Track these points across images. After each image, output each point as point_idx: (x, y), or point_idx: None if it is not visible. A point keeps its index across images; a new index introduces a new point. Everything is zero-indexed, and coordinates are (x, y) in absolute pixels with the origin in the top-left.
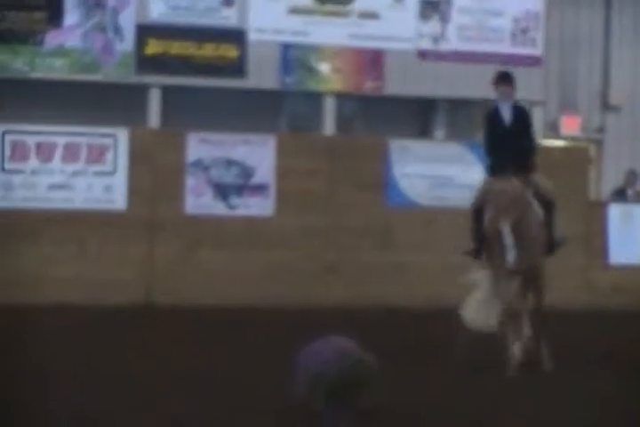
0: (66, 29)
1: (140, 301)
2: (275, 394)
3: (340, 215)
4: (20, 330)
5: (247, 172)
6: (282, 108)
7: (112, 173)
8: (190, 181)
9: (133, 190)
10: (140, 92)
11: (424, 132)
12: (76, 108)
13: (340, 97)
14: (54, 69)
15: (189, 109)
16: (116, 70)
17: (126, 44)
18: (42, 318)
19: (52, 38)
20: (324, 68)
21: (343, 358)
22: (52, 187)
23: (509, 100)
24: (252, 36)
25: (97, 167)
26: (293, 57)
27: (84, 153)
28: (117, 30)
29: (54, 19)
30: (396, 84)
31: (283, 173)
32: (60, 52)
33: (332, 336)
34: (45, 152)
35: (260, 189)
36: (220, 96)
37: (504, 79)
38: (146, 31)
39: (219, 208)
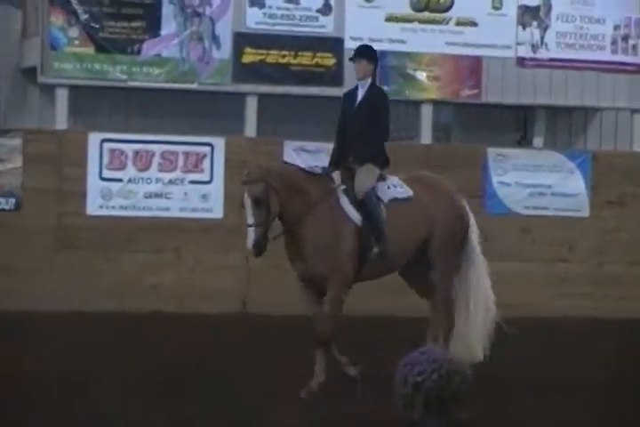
0: (163, 38)
1: (236, 309)
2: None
3: None
4: (118, 337)
5: None
6: None
7: (208, 181)
8: None
9: (230, 199)
10: (237, 100)
11: (522, 140)
12: (172, 116)
13: (438, 105)
14: (151, 78)
15: (286, 118)
16: (212, 79)
17: (223, 52)
18: (139, 325)
19: (150, 47)
20: (422, 76)
21: (441, 368)
22: (149, 195)
23: (365, 79)
24: (349, 45)
25: (194, 176)
26: (390, 65)
27: (180, 161)
28: (214, 39)
29: (152, 28)
30: (495, 92)
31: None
32: (158, 61)
33: (430, 347)
34: (143, 161)
35: None
36: (317, 104)
37: (359, 54)
38: (243, 40)
39: None
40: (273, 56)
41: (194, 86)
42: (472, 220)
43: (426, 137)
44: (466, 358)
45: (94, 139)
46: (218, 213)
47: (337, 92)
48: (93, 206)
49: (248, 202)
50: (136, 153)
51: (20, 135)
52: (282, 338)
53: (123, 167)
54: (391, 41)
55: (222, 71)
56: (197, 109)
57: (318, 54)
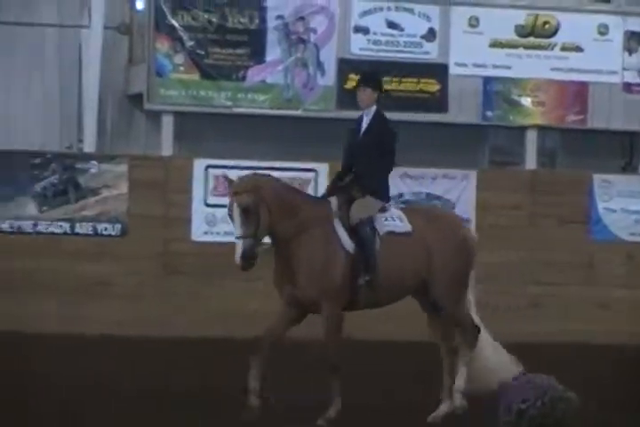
0: (268, 65)
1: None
2: None
3: (541, 250)
4: (223, 362)
5: (447, 206)
6: (483, 142)
7: None
8: None
9: None
10: (341, 126)
11: (628, 166)
12: (277, 142)
13: (543, 131)
14: (256, 104)
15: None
16: (316, 105)
17: (327, 78)
18: (244, 351)
19: (255, 74)
20: (526, 101)
21: (545, 395)
22: None
23: (369, 107)
24: (454, 71)
25: None
26: (495, 90)
27: None
28: (319, 65)
29: (257, 55)
30: (600, 118)
31: (483, 207)
32: (262, 87)
33: (534, 374)
34: None
35: None
36: (421, 130)
37: (363, 82)
38: (347, 66)
39: None
40: None
41: (298, 113)
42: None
43: (530, 163)
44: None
45: (199, 165)
46: None
47: (441, 117)
48: (198, 232)
49: (237, 212)
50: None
51: (125, 161)
52: (388, 363)
53: (227, 193)
54: (495, 66)
55: (326, 97)
56: (302, 135)
57: (422, 80)
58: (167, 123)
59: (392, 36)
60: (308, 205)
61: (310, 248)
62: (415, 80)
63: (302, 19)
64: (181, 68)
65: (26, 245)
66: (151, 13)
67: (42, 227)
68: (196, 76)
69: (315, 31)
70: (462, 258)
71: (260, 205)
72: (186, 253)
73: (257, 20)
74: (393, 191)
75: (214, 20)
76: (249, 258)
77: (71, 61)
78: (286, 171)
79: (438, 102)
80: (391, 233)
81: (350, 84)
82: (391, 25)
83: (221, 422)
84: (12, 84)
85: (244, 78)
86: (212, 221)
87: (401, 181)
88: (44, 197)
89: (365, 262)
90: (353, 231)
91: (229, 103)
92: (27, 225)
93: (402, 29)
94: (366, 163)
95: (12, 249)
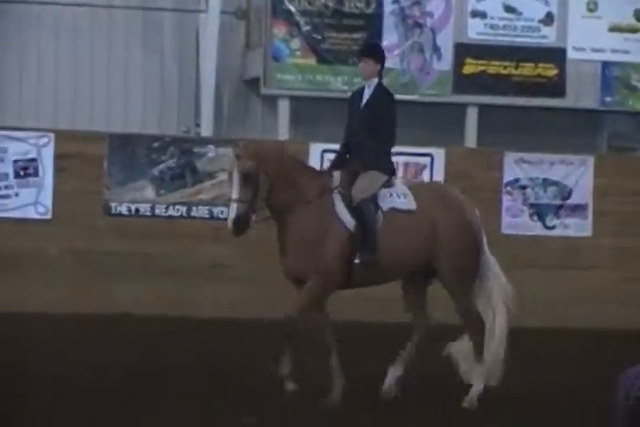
0: (384, 49)
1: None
2: None
3: None
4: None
5: (564, 192)
6: (601, 127)
7: None
8: (506, 201)
9: None
10: (457, 111)
11: None
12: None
13: None
14: None
15: (506, 129)
16: (432, 90)
17: (444, 63)
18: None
19: None
20: None
21: None
22: None
23: (372, 80)
24: (572, 55)
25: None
26: (614, 75)
27: (401, 171)
28: (435, 50)
29: (373, 39)
30: None
31: (601, 193)
32: None
33: None
34: None
35: (577, 209)
36: (538, 115)
37: (365, 53)
38: (464, 50)
39: (535, 228)
40: (494, 67)
41: (414, 97)
42: (482, 231)
43: None
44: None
45: (315, 149)
46: None
47: (558, 102)
48: None
49: (236, 176)
50: None
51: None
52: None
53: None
54: (614, 51)
55: (443, 82)
56: (417, 120)
57: (540, 65)
58: (283, 107)
59: (509, 20)
60: (308, 177)
61: (305, 221)
62: (533, 65)
63: (419, 3)
64: (298, 53)
65: (143, 228)
66: None
67: (159, 210)
68: (312, 61)
69: (431, 15)
70: (470, 240)
71: (260, 173)
72: None
73: (373, 5)
74: (507, 177)
75: (331, 4)
76: (242, 223)
77: (188, 46)
78: (402, 155)
79: (556, 87)
80: (394, 209)
81: (468, 70)
82: (508, 9)
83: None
84: (129, 69)
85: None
86: None
87: (517, 167)
88: (161, 181)
89: (364, 242)
90: (355, 209)
91: (345, 88)
92: (144, 208)
93: (519, 13)
94: (367, 136)
95: (130, 232)
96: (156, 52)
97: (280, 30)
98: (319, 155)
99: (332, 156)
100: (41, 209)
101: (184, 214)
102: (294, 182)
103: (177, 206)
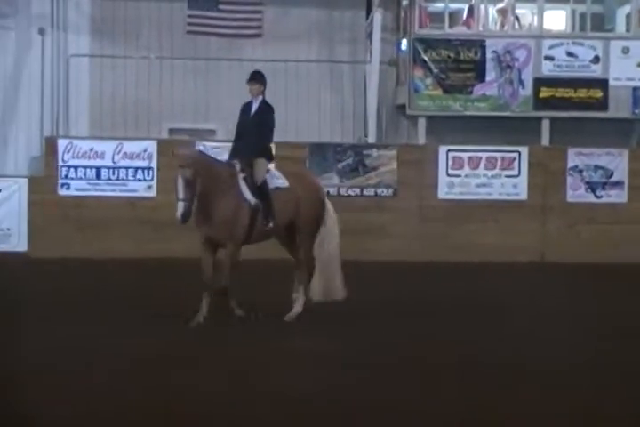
0: (487, 83)
1: (537, 259)
2: None
3: None
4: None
5: (608, 173)
6: (632, 130)
7: (517, 175)
8: (569, 180)
9: (531, 186)
10: (536, 122)
11: None
12: (493, 133)
13: None
14: (479, 109)
15: (569, 133)
16: (519, 108)
17: (526, 90)
18: (451, 272)
19: (478, 89)
20: None
21: None
22: (479, 185)
23: (257, 97)
24: (612, 83)
25: (507, 172)
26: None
27: (499, 163)
28: (520, 82)
29: (479, 76)
30: None
31: (633, 174)
32: (483, 97)
33: None
34: (474, 163)
35: (617, 184)
36: (590, 123)
37: (251, 79)
38: (539, 82)
39: (589, 197)
40: (560, 92)
41: (507, 113)
42: (329, 204)
43: None
44: (327, 298)
45: (443, 150)
46: (523, 196)
47: (604, 114)
48: (442, 193)
49: (181, 182)
50: (469, 158)
51: (395, 148)
52: (575, 281)
53: (461, 167)
54: None
55: (526, 103)
56: (509, 128)
57: (591, 90)
58: (421, 123)
59: (570, 61)
60: (222, 170)
61: (223, 200)
62: (585, 90)
63: (509, 52)
64: (430, 87)
65: (332, 203)
66: (410, 52)
67: (342, 191)
68: (439, 92)
69: (518, 60)
70: (319, 210)
71: (196, 178)
72: (435, 206)
73: (479, 54)
74: (570, 164)
75: (451, 55)
76: (187, 216)
77: (359, 85)
78: (499, 152)
79: (601, 104)
80: (276, 188)
81: (543, 94)
82: (569, 54)
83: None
84: (321, 101)
85: (471, 92)
86: (451, 186)
87: (576, 157)
88: (343, 173)
89: (268, 212)
90: (255, 188)
91: (461, 109)
92: (333, 191)
93: (576, 57)
94: (256, 135)
95: None
96: (339, 90)
97: (418, 72)
98: (445, 153)
99: (454, 153)
100: None
101: (358, 194)
102: (214, 175)
103: (353, 189)
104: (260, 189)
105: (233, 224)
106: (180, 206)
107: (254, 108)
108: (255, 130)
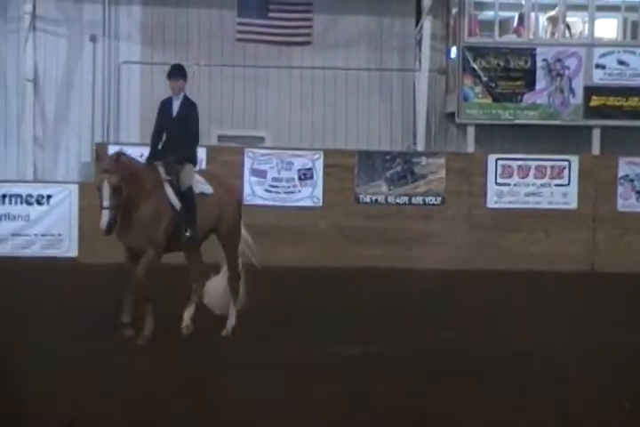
0: (537, 91)
1: (586, 269)
2: None
3: None
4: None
5: None
6: None
7: (567, 184)
8: (620, 189)
9: (582, 196)
10: (586, 131)
11: None
12: (543, 142)
13: None
14: (529, 118)
15: (621, 141)
16: (569, 117)
17: (577, 99)
18: (521, 282)
19: (528, 97)
20: None
21: None
22: (528, 194)
23: (179, 94)
24: None
25: (557, 181)
26: None
27: (548, 172)
28: (571, 91)
29: (529, 85)
30: None
31: None
32: (533, 106)
33: None
34: (523, 172)
35: None
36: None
37: (172, 75)
38: (590, 91)
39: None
40: (610, 101)
41: (557, 122)
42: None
43: None
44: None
45: (492, 158)
46: (573, 205)
47: None
48: (491, 202)
49: (107, 188)
50: (519, 167)
51: (444, 156)
52: (625, 290)
53: (510, 176)
54: None
55: (576, 112)
56: (560, 137)
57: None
58: (470, 131)
59: (620, 69)
60: (145, 175)
61: (145, 205)
62: (637, 98)
63: (560, 60)
64: (479, 95)
65: (380, 211)
66: (460, 60)
67: (390, 199)
68: (489, 100)
69: (568, 68)
70: (238, 214)
71: (122, 184)
72: (483, 215)
73: (529, 62)
74: (621, 173)
75: (501, 63)
76: (112, 226)
77: (408, 93)
78: (549, 161)
79: None
80: (201, 193)
81: (593, 103)
82: (620, 62)
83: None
84: (370, 109)
85: (521, 100)
86: (500, 195)
87: (627, 166)
88: (391, 181)
89: (190, 220)
90: (181, 194)
91: (511, 117)
92: (381, 198)
93: (627, 65)
94: (182, 138)
95: (372, 214)
96: (388, 97)
97: (468, 81)
98: (494, 161)
99: (503, 162)
100: (315, 200)
101: (406, 202)
102: (138, 180)
103: (402, 197)
104: (185, 196)
105: (154, 228)
106: (105, 215)
107: (176, 106)
108: (180, 131)
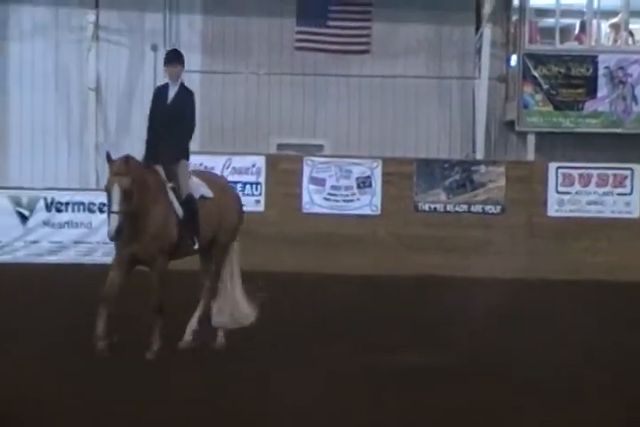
0: (599, 99)
1: None
2: None
3: None
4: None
5: None
6: None
7: (630, 193)
8: None
9: None
10: None
11: None
12: (605, 151)
13: None
14: (590, 126)
15: None
16: (632, 125)
17: (639, 107)
18: (588, 291)
19: (590, 105)
20: None
21: None
22: (590, 203)
23: (176, 81)
24: None
25: (619, 190)
26: None
27: (610, 180)
28: (633, 98)
29: (591, 93)
30: None
31: None
32: (594, 114)
33: None
34: (585, 180)
35: None
36: None
37: (170, 60)
38: None
39: None
40: None
41: (619, 130)
42: None
43: None
44: (235, 324)
45: (552, 166)
46: (636, 214)
47: None
48: (552, 210)
49: (117, 191)
50: (580, 175)
51: (503, 165)
52: None
53: (571, 184)
54: None
55: (639, 120)
56: (622, 146)
57: None
58: (530, 139)
59: None
60: (151, 179)
61: (154, 212)
62: None
63: (622, 68)
64: (540, 103)
65: (438, 220)
66: (520, 67)
67: (449, 208)
68: (549, 108)
69: (631, 75)
70: (239, 219)
71: (133, 188)
72: (543, 223)
73: (591, 70)
74: None
75: (562, 70)
76: (120, 232)
77: (467, 101)
78: (611, 169)
79: None
80: (202, 197)
81: None
82: None
83: None
84: (430, 118)
85: (582, 108)
86: (561, 203)
87: None
88: (450, 189)
89: (195, 230)
90: (183, 202)
91: (572, 125)
92: (440, 207)
93: None
94: (175, 131)
95: (430, 222)
96: (447, 105)
97: (528, 88)
98: (555, 170)
99: (563, 171)
100: (373, 208)
101: (465, 210)
102: (145, 184)
103: (461, 205)
104: (187, 205)
105: (164, 236)
106: (115, 220)
107: (172, 93)
108: (174, 123)
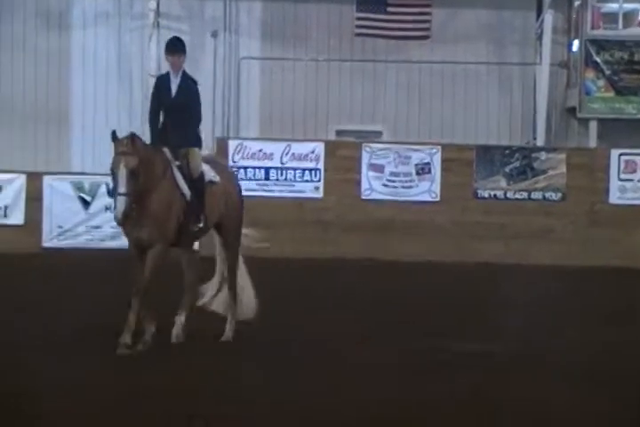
0: None
1: None
2: None
3: None
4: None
5: None
6: None
7: None
8: None
9: None
10: None
11: None
12: None
13: None
14: None
15: None
16: None
17: None
18: (624, 279)
19: None
20: None
21: None
22: None
23: (178, 71)
24: None
25: None
26: None
27: None
28: None
29: None
30: None
31: None
32: None
33: None
34: None
35: None
36: None
37: (172, 49)
38: None
39: None
40: None
41: None
42: None
43: None
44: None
45: (614, 153)
46: None
47: None
48: (614, 197)
49: (124, 172)
50: None
51: (564, 152)
52: None
53: (633, 171)
54: None
55: None
56: None
57: None
58: (592, 126)
59: None
60: (157, 158)
61: (157, 194)
62: None
63: None
64: (602, 89)
65: (499, 207)
66: (582, 53)
67: (509, 195)
68: (612, 94)
69: None
70: (241, 204)
71: (140, 168)
72: (605, 210)
73: None
74: None
75: (625, 56)
76: (127, 215)
77: (528, 87)
78: None
79: None
80: (210, 182)
81: None
82: None
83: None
84: (490, 104)
85: None
86: (623, 190)
87: None
88: (510, 176)
89: (200, 211)
90: (192, 181)
91: (635, 112)
92: (499, 194)
93: None
94: (184, 118)
95: (490, 210)
96: (507, 92)
97: (590, 74)
98: (617, 157)
99: (626, 157)
100: (432, 195)
101: (526, 198)
102: (150, 164)
103: (521, 192)
104: (196, 184)
105: (167, 219)
106: (122, 202)
107: (175, 84)
108: (184, 112)
